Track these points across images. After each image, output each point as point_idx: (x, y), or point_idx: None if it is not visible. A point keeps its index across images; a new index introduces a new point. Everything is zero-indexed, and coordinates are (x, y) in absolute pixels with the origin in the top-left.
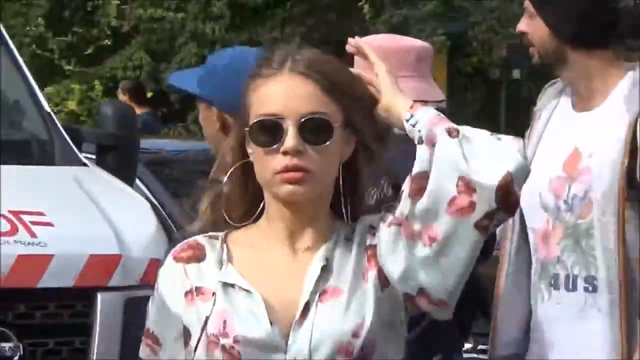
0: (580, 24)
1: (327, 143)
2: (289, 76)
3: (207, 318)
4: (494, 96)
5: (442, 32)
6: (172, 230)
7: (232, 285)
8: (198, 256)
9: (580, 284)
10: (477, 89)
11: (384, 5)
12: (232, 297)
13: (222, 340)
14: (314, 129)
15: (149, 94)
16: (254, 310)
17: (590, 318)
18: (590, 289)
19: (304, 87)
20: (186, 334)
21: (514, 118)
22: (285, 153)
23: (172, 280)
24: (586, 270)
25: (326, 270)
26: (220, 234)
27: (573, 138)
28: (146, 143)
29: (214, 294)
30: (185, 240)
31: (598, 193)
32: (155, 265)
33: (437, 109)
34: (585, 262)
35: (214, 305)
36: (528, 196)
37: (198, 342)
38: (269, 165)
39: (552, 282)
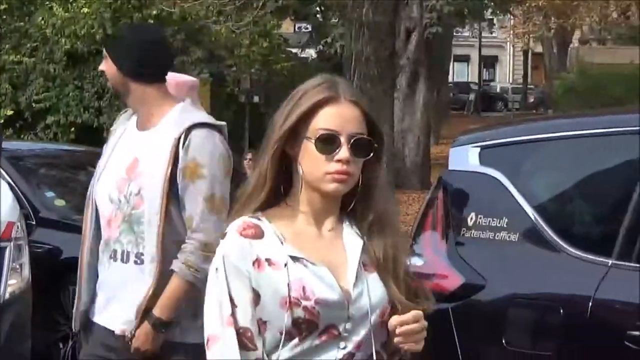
0: (137, 64)
1: (367, 157)
2: (343, 101)
3: (288, 284)
4: (242, 114)
5: (207, 71)
6: (22, 201)
7: (299, 259)
8: (259, 234)
9: (132, 258)
10: (230, 109)
11: None
12: (302, 268)
13: (304, 302)
14: (359, 145)
15: (10, 112)
16: (325, 279)
17: (139, 281)
18: (139, 262)
19: (353, 112)
20: (255, 294)
21: (255, 128)
22: (339, 161)
23: (241, 251)
24: (137, 248)
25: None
26: (258, 215)
27: (134, 150)
28: (8, 144)
29: (285, 264)
30: (243, 221)
31: (148, 191)
32: (10, 225)
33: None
34: (136, 242)
35: (288, 274)
36: (101, 192)
37: (269, 301)
38: (322, 166)
39: (112, 256)
